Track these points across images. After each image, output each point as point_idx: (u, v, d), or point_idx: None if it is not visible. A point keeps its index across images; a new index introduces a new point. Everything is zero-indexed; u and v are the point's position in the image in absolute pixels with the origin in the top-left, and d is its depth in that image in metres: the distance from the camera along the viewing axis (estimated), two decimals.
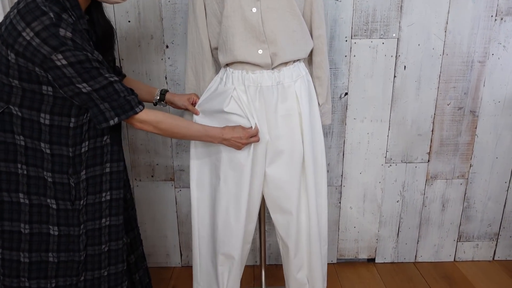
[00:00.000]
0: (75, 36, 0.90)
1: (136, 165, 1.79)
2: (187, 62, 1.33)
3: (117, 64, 1.64)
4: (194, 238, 1.37)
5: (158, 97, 1.33)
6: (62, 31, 0.88)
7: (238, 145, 1.18)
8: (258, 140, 1.21)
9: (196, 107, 1.30)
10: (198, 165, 1.32)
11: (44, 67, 0.90)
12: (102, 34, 1.05)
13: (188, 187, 1.81)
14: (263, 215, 1.57)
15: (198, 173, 1.32)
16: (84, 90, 0.94)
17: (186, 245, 1.91)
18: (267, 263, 1.93)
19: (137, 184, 1.81)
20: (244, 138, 1.18)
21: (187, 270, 1.90)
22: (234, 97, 1.20)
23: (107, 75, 0.96)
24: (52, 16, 0.88)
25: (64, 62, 0.89)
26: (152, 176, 1.80)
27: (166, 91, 1.34)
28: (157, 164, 1.78)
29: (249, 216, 1.28)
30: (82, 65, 0.91)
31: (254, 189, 1.25)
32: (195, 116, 1.31)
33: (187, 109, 1.32)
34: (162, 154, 1.77)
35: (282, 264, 1.44)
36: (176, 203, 1.84)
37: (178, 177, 1.81)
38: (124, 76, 1.30)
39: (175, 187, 1.82)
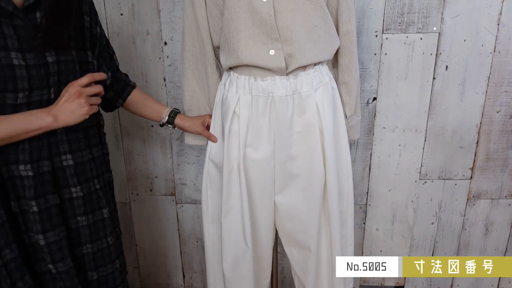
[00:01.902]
0: None
1: (133, 177, 1.59)
2: (185, 64, 1.10)
3: None
4: (210, 279, 1.19)
5: (166, 120, 1.11)
6: None
7: (75, 104, 0.81)
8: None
9: (210, 131, 1.09)
10: (213, 197, 1.10)
11: None
12: (50, 11, 0.78)
13: (191, 203, 1.61)
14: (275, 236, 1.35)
15: (213, 206, 1.11)
16: None
17: (189, 266, 1.71)
18: None
19: (134, 198, 1.62)
20: (74, 91, 0.81)
21: None
22: (236, 112, 0.97)
23: None
24: None
25: None
26: (150, 190, 1.61)
27: (177, 113, 1.12)
28: (156, 177, 1.58)
29: (259, 253, 1.06)
30: None
31: (261, 222, 1.04)
32: (210, 144, 1.09)
33: (202, 135, 1.10)
34: (161, 166, 1.57)
35: None
36: (177, 220, 1.64)
37: (180, 192, 1.60)
38: (133, 87, 1.08)
39: (176, 203, 1.62)
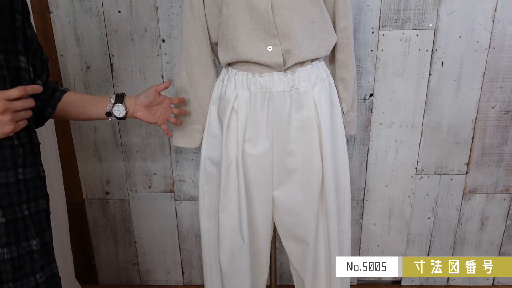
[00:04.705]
0: None
1: (132, 174, 1.59)
2: (180, 63, 1.10)
3: (106, 62, 1.44)
4: (206, 273, 1.20)
5: (113, 100, 0.95)
6: None
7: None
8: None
9: (205, 130, 1.07)
10: (209, 192, 1.11)
11: None
12: None
13: (190, 199, 1.62)
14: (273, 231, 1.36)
15: (209, 201, 1.12)
16: None
17: (188, 263, 1.72)
18: (278, 283, 1.73)
19: (133, 195, 1.62)
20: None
21: None
22: (234, 108, 0.98)
23: None
24: None
25: None
26: (149, 187, 1.61)
27: (123, 94, 0.96)
28: (155, 174, 1.59)
29: (256, 248, 1.07)
30: None
31: (259, 217, 1.05)
32: (205, 141, 1.08)
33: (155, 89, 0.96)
34: (160, 163, 1.57)
35: (294, 285, 1.24)
36: (176, 216, 1.65)
37: (179, 189, 1.61)
38: (64, 91, 0.93)
39: (175, 199, 1.63)
